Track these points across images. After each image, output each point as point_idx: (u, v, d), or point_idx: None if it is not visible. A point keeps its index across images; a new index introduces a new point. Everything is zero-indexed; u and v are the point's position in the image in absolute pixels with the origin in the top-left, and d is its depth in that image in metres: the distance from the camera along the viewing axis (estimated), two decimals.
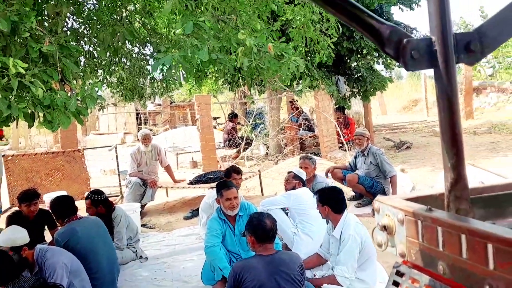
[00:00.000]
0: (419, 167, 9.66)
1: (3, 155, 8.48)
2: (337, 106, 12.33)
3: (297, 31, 5.13)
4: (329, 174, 7.17)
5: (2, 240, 3.83)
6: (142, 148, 7.74)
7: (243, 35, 3.62)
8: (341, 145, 11.36)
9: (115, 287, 4.63)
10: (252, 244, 3.49)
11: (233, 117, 13.52)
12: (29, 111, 2.68)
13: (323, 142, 11.16)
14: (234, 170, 5.99)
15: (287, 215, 5.26)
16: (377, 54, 12.17)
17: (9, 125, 2.96)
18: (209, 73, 5.15)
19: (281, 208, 5.23)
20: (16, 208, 5.84)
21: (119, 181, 8.90)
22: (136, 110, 19.96)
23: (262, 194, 8.25)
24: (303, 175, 5.66)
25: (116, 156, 9.03)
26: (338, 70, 11.96)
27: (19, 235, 3.88)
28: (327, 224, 4.29)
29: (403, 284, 1.21)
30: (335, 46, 5.85)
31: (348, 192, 7.52)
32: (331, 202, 4.01)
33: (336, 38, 5.77)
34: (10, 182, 8.07)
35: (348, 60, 11.99)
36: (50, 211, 4.95)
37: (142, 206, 7.54)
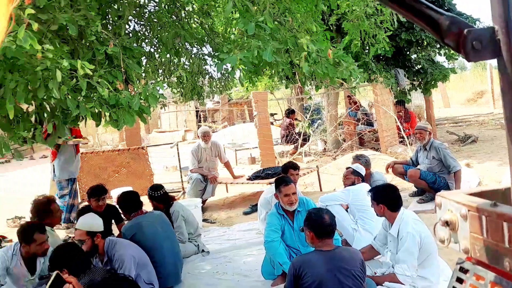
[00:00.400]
0: (485, 162, 9.21)
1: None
2: (397, 99, 11.98)
3: (351, 24, 5.05)
4: (390, 170, 7.00)
5: (82, 223, 4.06)
6: (202, 145, 7.91)
7: (306, 40, 3.62)
8: (401, 139, 11.05)
9: (179, 280, 4.78)
10: (311, 240, 3.47)
11: (290, 113, 13.51)
12: (96, 110, 2.82)
13: (382, 137, 10.91)
14: (291, 166, 6.00)
15: (347, 212, 5.20)
16: (439, 45, 11.69)
17: (78, 124, 3.13)
18: (263, 72, 5.17)
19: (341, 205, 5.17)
20: (86, 203, 6.15)
21: (181, 177, 9.15)
22: (196, 108, 20.39)
23: (321, 190, 8.20)
24: (362, 171, 5.57)
25: (178, 153, 9.28)
26: (397, 62, 11.61)
27: (96, 222, 4.10)
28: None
29: (467, 280, 1.17)
30: (393, 38, 5.69)
31: (409, 188, 7.32)
32: (386, 200, 3.92)
33: (392, 32, 5.61)
34: (80, 179, 8.50)
35: (408, 52, 11.62)
36: (117, 206, 5.18)
37: (203, 201, 7.70)
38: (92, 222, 4.08)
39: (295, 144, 12.23)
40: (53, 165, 7.01)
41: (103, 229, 4.19)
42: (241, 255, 5.49)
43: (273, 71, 4.28)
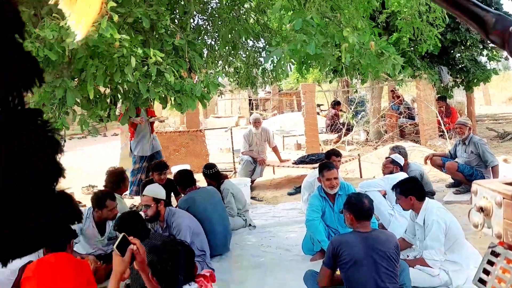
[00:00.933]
0: None
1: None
2: (439, 95, 11.54)
3: (404, 22, 4.89)
4: (428, 161, 6.79)
5: (149, 190, 4.23)
6: (253, 130, 7.97)
7: (347, 32, 3.56)
8: (441, 133, 10.66)
9: (227, 249, 4.88)
10: (350, 221, 3.44)
11: (336, 104, 13.32)
12: (163, 94, 2.91)
13: (423, 130, 10.57)
14: (333, 153, 5.95)
15: (385, 198, 5.12)
16: (482, 46, 11.13)
17: (147, 106, 3.25)
18: (312, 65, 5.12)
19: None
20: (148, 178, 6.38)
21: (233, 158, 9.27)
22: (249, 97, 20.49)
23: (361, 177, 8.08)
24: (401, 161, 5.44)
25: (231, 136, 9.40)
26: (441, 60, 11.16)
27: (160, 191, 4.27)
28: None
29: (498, 264, 1.14)
30: (438, 40, 5.47)
31: (446, 179, 7.09)
32: (416, 191, 3.83)
33: (443, 28, 5.40)
34: None
35: (452, 51, 11.13)
36: (175, 182, 5.35)
37: (252, 181, 7.79)
38: (158, 190, 4.24)
39: (339, 133, 12.07)
40: (131, 143, 7.14)
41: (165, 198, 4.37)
42: (284, 231, 5.53)
43: (320, 64, 4.23)
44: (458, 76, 11.53)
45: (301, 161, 8.06)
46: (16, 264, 3.26)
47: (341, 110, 13.70)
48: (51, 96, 2.69)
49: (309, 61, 4.23)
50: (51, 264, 2.91)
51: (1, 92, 0.97)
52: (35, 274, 2.84)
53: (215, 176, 5.57)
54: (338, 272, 3.31)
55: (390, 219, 4.89)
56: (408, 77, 10.21)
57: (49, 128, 1.00)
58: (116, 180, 5.06)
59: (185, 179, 5.02)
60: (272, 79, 5.43)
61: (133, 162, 7.09)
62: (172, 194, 6.07)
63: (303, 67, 4.41)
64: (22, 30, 1.02)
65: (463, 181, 6.33)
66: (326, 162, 4.99)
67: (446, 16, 5.28)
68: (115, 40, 2.48)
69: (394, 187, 4.00)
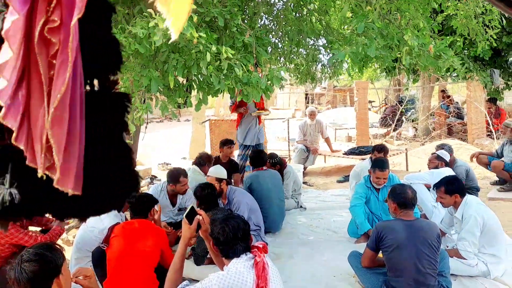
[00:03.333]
0: None
1: (209, 119, 9.50)
2: (489, 97, 10.80)
3: (460, 23, 4.61)
4: (474, 159, 6.41)
5: (212, 172, 4.37)
6: (308, 121, 7.91)
7: (408, 36, 3.42)
8: (489, 133, 10.00)
9: (280, 226, 4.93)
10: (394, 210, 3.36)
11: (398, 102, 12.86)
12: (232, 86, 2.97)
13: (471, 129, 9.97)
14: (376, 147, 5.64)
15: (429, 190, 4.91)
16: None
17: (217, 96, 3.33)
18: (370, 63, 4.97)
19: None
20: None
21: (288, 146, 9.29)
22: (306, 91, 20.30)
23: (407, 170, 7.80)
24: (447, 157, 5.18)
25: (288, 127, 9.40)
26: (493, 63, 10.40)
27: (222, 171, 4.38)
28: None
29: None
30: (494, 41, 5.09)
31: (491, 177, 6.69)
32: (460, 189, 3.63)
33: (498, 30, 5.02)
34: (212, 139, 9.03)
35: (506, 54, 10.33)
36: (249, 158, 5.45)
37: (305, 168, 7.77)
38: (219, 171, 4.36)
39: (388, 129, 11.69)
40: (237, 131, 6.95)
41: (227, 177, 4.49)
42: (331, 215, 5.49)
43: (378, 64, 4.11)
44: (510, 79, 10.71)
45: (351, 152, 7.93)
46: (105, 224, 3.51)
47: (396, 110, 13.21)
48: (139, 84, 2.83)
49: (367, 62, 4.13)
50: (135, 228, 3.10)
51: (92, 75, 1.03)
52: (122, 234, 3.05)
53: (277, 164, 5.59)
54: (380, 255, 3.25)
55: (433, 211, 4.70)
56: (460, 78, 9.63)
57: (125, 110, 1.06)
58: (203, 160, 5.34)
59: (258, 158, 5.14)
60: (330, 75, 5.34)
61: (239, 149, 6.93)
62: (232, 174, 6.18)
63: (361, 67, 4.30)
64: (111, 17, 1.07)
65: (508, 179, 5.94)
66: (382, 159, 4.77)
67: (503, 18, 4.90)
68: (193, 37, 2.56)
69: (437, 186, 3.80)
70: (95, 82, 1.04)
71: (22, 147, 0.88)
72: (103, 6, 1.03)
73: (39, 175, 0.88)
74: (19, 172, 0.95)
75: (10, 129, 0.88)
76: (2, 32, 0.88)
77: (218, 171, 4.33)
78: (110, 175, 1.04)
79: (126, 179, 1.07)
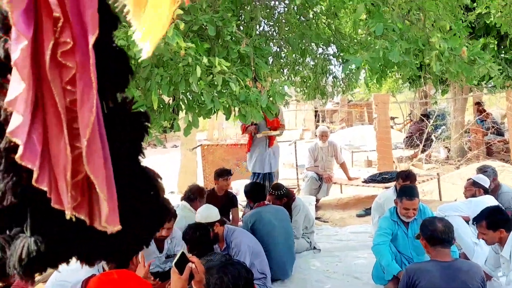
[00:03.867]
0: None
1: (201, 144, 9.54)
2: None
3: (503, 21, 4.64)
4: None
5: (200, 217, 4.33)
6: (319, 144, 7.92)
7: (436, 38, 3.45)
8: None
9: (289, 273, 4.86)
10: (425, 248, 3.33)
11: (424, 117, 12.92)
12: (227, 105, 2.99)
13: None
14: (401, 175, 5.58)
15: (468, 224, 4.86)
16: None
17: (210, 117, 3.34)
18: (390, 72, 4.99)
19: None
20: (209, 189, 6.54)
21: (297, 174, 9.26)
22: (315, 108, 20.44)
23: (440, 199, 7.75)
24: (485, 182, 5.14)
25: (295, 150, 9.41)
26: None
27: (213, 212, 4.34)
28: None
29: None
30: None
31: None
32: (506, 223, 3.58)
33: None
34: (205, 168, 9.04)
35: None
36: (245, 194, 5.44)
37: (317, 200, 7.73)
38: (208, 213, 4.30)
39: (416, 150, 11.69)
40: (247, 155, 6.94)
41: (222, 215, 4.45)
42: (352, 256, 5.42)
43: (400, 73, 4.15)
44: None
45: (372, 180, 7.89)
46: (79, 277, 3.45)
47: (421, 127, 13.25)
48: None
49: (388, 70, 4.15)
50: (114, 280, 3.05)
51: (104, 94, 1.06)
52: None
53: (284, 196, 5.53)
54: None
55: (474, 249, 4.63)
56: (498, 88, 9.69)
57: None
58: (193, 194, 5.32)
59: (257, 192, 5.17)
60: (344, 88, 5.38)
61: (252, 177, 6.86)
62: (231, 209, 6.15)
63: (380, 77, 4.33)
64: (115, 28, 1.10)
65: None
66: (410, 186, 4.73)
67: None
68: (180, 48, 2.59)
69: (477, 220, 3.75)
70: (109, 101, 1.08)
71: (45, 189, 0.91)
72: (108, 16, 1.06)
73: (67, 216, 0.91)
74: (41, 216, 0.99)
75: (28, 169, 0.91)
76: (12, 62, 0.90)
77: (206, 214, 4.28)
78: (137, 206, 1.07)
79: (154, 209, 1.10)
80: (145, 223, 1.10)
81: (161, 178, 1.19)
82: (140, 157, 1.15)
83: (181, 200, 5.42)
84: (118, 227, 0.94)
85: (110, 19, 1.10)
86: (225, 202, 5.89)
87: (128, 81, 1.15)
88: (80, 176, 0.93)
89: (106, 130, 0.99)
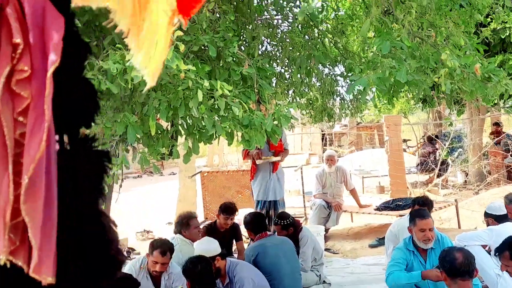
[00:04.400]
0: None
1: (201, 171, 9.54)
2: None
3: None
4: None
5: (198, 250, 4.31)
6: (327, 169, 7.91)
7: (446, 55, 3.50)
8: None
9: None
10: (445, 281, 3.30)
11: (431, 139, 12.93)
12: (229, 130, 3.02)
13: None
14: (418, 201, 5.54)
15: (489, 254, 4.81)
16: None
17: (211, 143, 3.37)
18: (402, 91, 5.04)
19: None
20: (209, 221, 6.49)
21: (303, 202, 9.23)
22: (322, 131, 20.49)
23: (459, 227, 7.70)
24: (497, 210, 5.10)
25: (301, 176, 9.39)
26: None
27: (212, 246, 4.32)
28: None
29: None
30: None
31: None
32: None
33: None
34: (205, 197, 9.02)
35: None
36: (244, 225, 5.39)
37: (326, 230, 7.68)
38: (208, 247, 4.28)
39: (431, 175, 11.66)
40: (251, 183, 6.97)
41: (223, 248, 4.41)
42: None
43: (411, 94, 4.18)
44: None
45: (385, 207, 7.85)
46: None
47: (436, 149, 13.24)
48: (111, 132, 2.87)
49: (398, 90, 4.19)
50: None
51: (62, 128, 1.04)
52: None
53: (290, 226, 5.50)
54: None
55: (497, 281, 4.57)
56: None
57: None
58: (182, 222, 5.22)
59: (258, 223, 5.10)
60: (352, 110, 5.42)
61: (256, 206, 6.87)
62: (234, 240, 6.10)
63: (391, 97, 4.37)
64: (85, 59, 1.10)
65: None
66: (420, 209, 4.77)
67: None
68: (180, 71, 2.63)
69: (499, 250, 3.72)
70: (65, 137, 1.06)
71: None
72: (77, 44, 1.06)
73: (2, 262, 0.87)
74: None
75: None
76: None
77: (205, 248, 4.25)
78: (84, 257, 1.02)
79: (102, 260, 1.06)
80: (90, 273, 1.05)
81: (116, 226, 1.17)
82: (99, 200, 1.11)
83: (174, 232, 5.36)
84: (50, 280, 0.87)
85: (80, 48, 1.09)
86: (228, 234, 5.84)
87: (93, 116, 1.12)
88: (21, 217, 0.88)
89: (62, 169, 0.96)
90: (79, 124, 1.07)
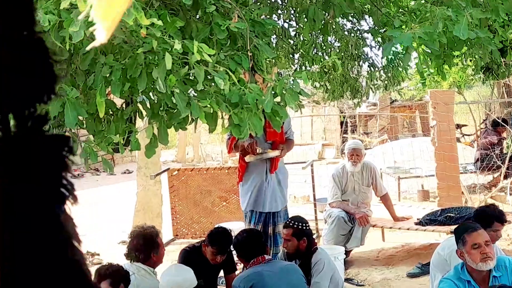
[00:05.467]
0: None
1: (168, 169, 9.52)
2: None
3: None
4: None
5: (166, 282, 4.32)
6: (348, 167, 7.92)
7: None
8: None
9: None
10: None
11: (496, 124, 12.94)
12: (211, 110, 3.00)
13: None
14: (495, 215, 5.49)
15: None
16: None
17: (186, 128, 3.35)
18: (457, 57, 5.01)
19: None
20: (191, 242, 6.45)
21: (315, 213, 9.24)
22: (341, 112, 20.46)
23: None
24: None
25: (312, 177, 9.39)
26: None
27: (186, 277, 4.33)
28: None
29: None
30: None
31: None
32: None
33: None
34: (174, 205, 9.00)
35: None
36: (234, 249, 5.37)
37: (347, 252, 7.70)
38: (180, 278, 4.30)
39: (496, 175, 11.71)
40: (239, 187, 6.91)
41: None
42: None
43: (470, 59, 4.17)
44: None
45: (431, 220, 7.89)
46: None
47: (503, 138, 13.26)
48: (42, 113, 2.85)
49: (452, 53, 4.16)
50: None
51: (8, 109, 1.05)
52: None
53: (306, 235, 5.52)
54: None
55: None
56: None
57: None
58: (143, 246, 5.14)
59: (251, 244, 5.07)
60: (386, 82, 5.39)
61: (245, 219, 6.85)
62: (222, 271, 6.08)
63: (441, 64, 4.35)
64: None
65: None
66: (467, 222, 4.82)
67: None
68: (140, 26, 2.62)
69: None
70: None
71: None
72: None
73: None
74: None
75: None
76: None
77: (175, 281, 4.28)
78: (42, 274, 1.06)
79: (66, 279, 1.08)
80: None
81: (80, 242, 1.18)
82: (57, 205, 1.12)
83: (126, 258, 5.26)
84: None
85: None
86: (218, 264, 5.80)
87: (50, 86, 1.12)
88: None
89: (6, 161, 0.98)
90: (30, 99, 1.07)
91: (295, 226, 5.46)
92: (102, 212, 13.12)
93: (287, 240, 5.48)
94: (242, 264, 6.05)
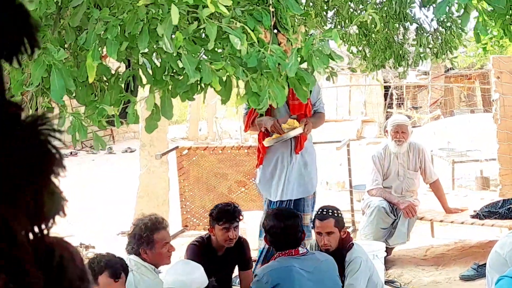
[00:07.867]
0: None
1: (177, 147, 9.52)
2: None
3: None
4: None
5: (171, 282, 4.35)
6: (392, 147, 7.91)
7: None
8: None
9: None
10: None
11: None
12: (225, 75, 2.98)
13: None
14: None
15: None
16: None
17: (193, 99, 3.34)
18: None
19: None
20: (201, 233, 6.48)
21: (351, 202, 9.26)
22: (385, 82, 20.38)
23: None
24: None
25: (348, 159, 9.40)
26: None
27: (194, 276, 4.37)
28: None
29: None
30: None
31: None
32: None
33: None
34: (183, 192, 9.01)
35: None
36: (266, 233, 5.37)
37: (389, 250, 7.71)
38: (187, 277, 4.34)
39: None
40: (257, 172, 6.92)
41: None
42: None
43: None
44: None
45: (491, 213, 7.87)
46: None
47: None
48: (23, 80, 2.87)
49: None
50: None
51: None
52: None
53: (343, 226, 5.55)
54: None
55: None
56: None
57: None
58: (144, 237, 5.17)
59: (281, 234, 5.07)
60: (436, 49, 5.34)
61: (264, 207, 6.85)
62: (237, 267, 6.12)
63: (508, 25, 4.30)
64: None
65: None
66: None
67: None
68: None
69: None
70: None
71: None
72: None
73: None
74: None
75: None
76: None
77: (182, 280, 4.32)
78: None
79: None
80: None
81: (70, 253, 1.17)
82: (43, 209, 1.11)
83: (127, 252, 5.30)
84: None
85: None
86: (229, 257, 5.84)
87: (18, 46, 1.11)
88: None
89: None
90: None
91: (336, 215, 5.44)
92: (99, 198, 13.22)
93: (329, 234, 5.44)
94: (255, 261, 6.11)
